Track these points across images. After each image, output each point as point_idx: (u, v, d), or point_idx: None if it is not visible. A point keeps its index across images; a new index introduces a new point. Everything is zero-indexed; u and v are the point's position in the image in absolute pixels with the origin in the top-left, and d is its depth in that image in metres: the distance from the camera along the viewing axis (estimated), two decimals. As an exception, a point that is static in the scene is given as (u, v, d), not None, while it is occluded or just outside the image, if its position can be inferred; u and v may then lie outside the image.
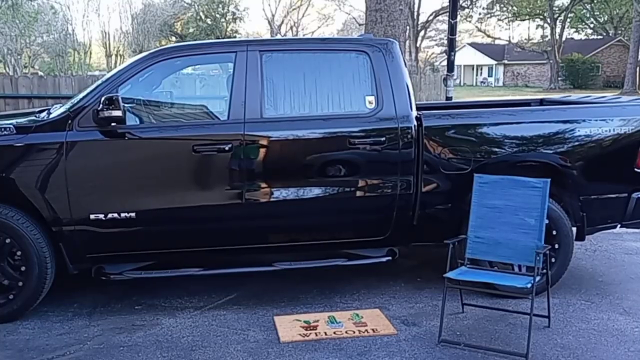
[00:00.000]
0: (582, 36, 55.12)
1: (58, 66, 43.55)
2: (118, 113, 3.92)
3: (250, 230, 4.33)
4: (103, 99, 3.96)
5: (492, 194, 4.08)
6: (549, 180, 3.97)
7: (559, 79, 45.76)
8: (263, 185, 4.28)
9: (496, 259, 4.05)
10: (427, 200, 4.48)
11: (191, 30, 49.52)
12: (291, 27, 54.04)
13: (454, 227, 4.48)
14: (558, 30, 46.86)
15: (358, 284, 4.82)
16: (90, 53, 49.43)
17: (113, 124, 4.04)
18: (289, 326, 4.03)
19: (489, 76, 56.96)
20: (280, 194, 4.30)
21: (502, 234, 4.00)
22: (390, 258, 4.50)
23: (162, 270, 4.29)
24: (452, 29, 8.29)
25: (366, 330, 3.96)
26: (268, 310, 4.35)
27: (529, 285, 3.56)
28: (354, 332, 3.93)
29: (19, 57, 38.89)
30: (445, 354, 3.63)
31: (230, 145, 4.16)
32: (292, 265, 4.37)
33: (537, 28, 52.55)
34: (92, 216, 4.12)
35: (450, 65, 8.30)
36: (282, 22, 54.11)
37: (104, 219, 4.13)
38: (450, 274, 3.76)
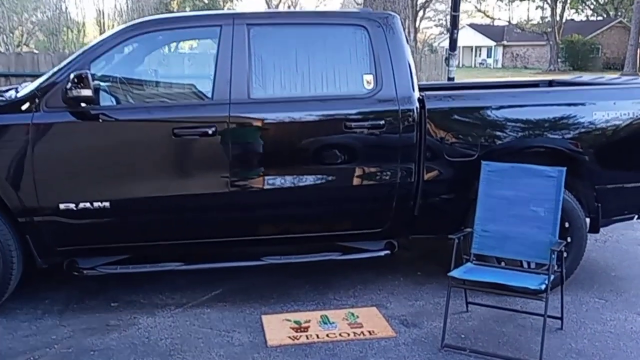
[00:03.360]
0: (582, 17, 54.50)
1: (52, 44, 42.82)
2: (87, 92, 3.53)
3: (236, 221, 3.97)
4: (71, 76, 3.56)
5: (501, 183, 3.72)
6: (564, 169, 3.61)
7: (559, 60, 45.22)
8: (250, 172, 3.91)
9: (505, 255, 3.71)
10: (429, 189, 4.12)
11: (187, 9, 48.69)
12: (289, 7, 53.23)
13: (459, 219, 4.13)
14: (558, 11, 46.20)
15: (354, 278, 4.48)
16: (85, 31, 48.66)
17: (83, 104, 3.65)
18: (277, 327, 3.69)
19: (487, 57, 56.36)
20: (269, 182, 3.93)
21: (512, 227, 3.64)
22: (388, 252, 4.14)
23: (140, 264, 3.93)
24: (455, 6, 7.88)
25: (362, 332, 3.61)
26: (256, 308, 4.00)
27: (542, 287, 3.21)
28: (349, 335, 3.58)
29: (11, 34, 38.15)
30: (449, 361, 3.30)
31: (214, 129, 3.78)
32: (281, 259, 4.01)
33: (536, 9, 52.09)
34: (61, 206, 3.74)
35: (453, 44, 7.90)
36: (280, 1, 53.29)
37: (75, 209, 3.76)
38: (454, 273, 3.41)
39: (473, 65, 54.65)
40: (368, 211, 4.14)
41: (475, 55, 56.98)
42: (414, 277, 4.54)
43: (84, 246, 3.93)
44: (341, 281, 4.43)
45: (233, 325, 3.75)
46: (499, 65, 54.35)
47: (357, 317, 3.83)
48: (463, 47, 53.45)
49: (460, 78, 9.95)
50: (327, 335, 3.57)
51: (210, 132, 3.77)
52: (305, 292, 4.26)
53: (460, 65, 50.79)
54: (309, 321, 3.76)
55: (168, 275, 4.36)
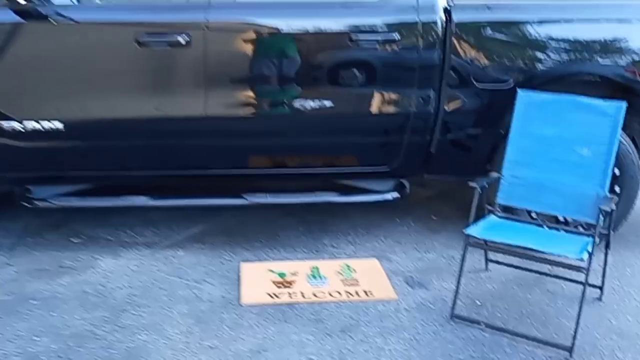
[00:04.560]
0: None
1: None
2: (24, -16, 2.81)
3: (214, 151, 3.31)
4: (7, -38, 2.84)
5: (540, 118, 2.97)
6: (624, 104, 2.84)
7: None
8: (231, 92, 3.21)
9: (538, 208, 3.01)
10: (451, 121, 3.39)
11: None
12: None
13: (484, 160, 3.43)
14: None
15: (356, 220, 3.84)
16: None
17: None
18: (257, 280, 3.10)
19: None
20: (253, 105, 3.24)
21: (550, 174, 2.92)
22: (397, 195, 3.46)
23: (101, 197, 3.33)
24: None
25: (356, 292, 3.00)
26: (237, 253, 3.40)
27: (585, 257, 2.52)
28: (340, 295, 2.97)
29: None
30: (458, 338, 2.67)
31: (187, 37, 3.05)
32: (267, 198, 3.37)
33: None
34: (5, 125, 3.12)
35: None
36: None
37: (22, 129, 3.13)
38: (472, 230, 2.74)
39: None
40: (375, 145, 3.44)
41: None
42: (427, 222, 3.89)
43: (38, 173, 3.33)
44: (341, 224, 3.80)
45: (206, 274, 3.17)
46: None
47: (354, 271, 3.22)
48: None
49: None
50: (315, 295, 2.97)
51: (182, 40, 3.05)
52: (297, 235, 3.65)
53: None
54: (295, 274, 3.16)
55: (143, 208, 3.77)
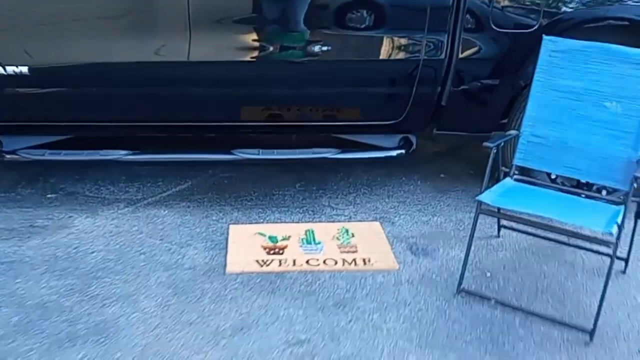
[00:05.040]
0: None
1: None
2: None
3: (200, 101, 2.98)
4: None
5: (567, 69, 2.60)
6: (665, 53, 2.46)
7: None
8: (219, 34, 2.86)
9: (560, 171, 2.67)
10: (465, 70, 3.03)
11: None
12: None
13: (500, 114, 3.08)
14: None
15: (358, 178, 3.54)
16: None
17: None
18: (245, 244, 2.82)
19: None
20: (242, 49, 2.89)
21: (575, 133, 2.58)
22: (402, 152, 3.14)
23: (76, 150, 3.02)
24: None
25: (354, 260, 2.72)
26: (226, 212, 3.12)
27: (614, 230, 2.20)
28: (336, 263, 2.69)
29: None
30: (465, 317, 2.39)
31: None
32: (260, 154, 3.05)
33: None
34: (-36, 68, 2.80)
35: None
36: None
37: (-15, 74, 2.81)
38: (485, 197, 2.42)
39: None
40: (380, 96, 3.11)
41: None
42: (435, 181, 3.57)
43: (7, 123, 3.02)
44: (341, 181, 3.49)
45: (190, 237, 2.89)
46: None
47: (352, 235, 2.92)
48: None
49: None
50: (308, 262, 2.69)
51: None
52: (293, 194, 3.35)
53: None
54: (288, 238, 2.88)
55: (129, 162, 3.47)
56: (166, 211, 3.12)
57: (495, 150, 2.48)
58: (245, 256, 2.71)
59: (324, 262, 2.69)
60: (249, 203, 3.24)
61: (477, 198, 2.41)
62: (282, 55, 2.92)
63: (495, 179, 2.64)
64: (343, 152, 3.07)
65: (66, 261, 2.66)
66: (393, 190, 3.45)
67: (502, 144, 2.57)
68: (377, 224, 3.06)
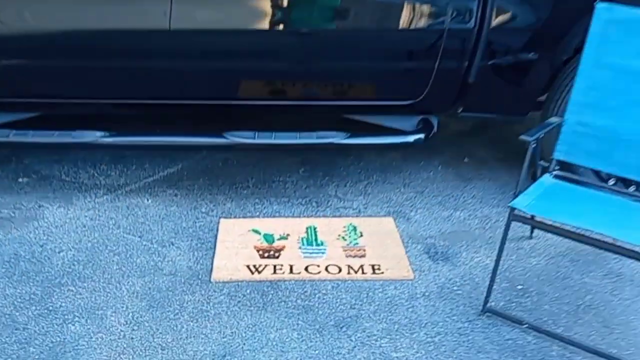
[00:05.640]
0: None
1: None
2: None
3: (190, 76, 2.56)
4: None
5: (626, 44, 2.13)
6: None
7: None
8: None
9: (611, 168, 2.23)
10: (497, 42, 2.58)
11: None
12: None
13: (538, 93, 2.63)
14: None
15: (371, 161, 3.13)
16: None
17: None
18: (236, 244, 2.44)
19: None
20: (233, 17, 2.45)
21: (631, 124, 2.12)
22: (421, 137, 2.70)
23: (44, 131, 2.63)
24: None
25: (361, 267, 2.32)
26: (217, 203, 2.74)
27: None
28: (340, 271, 2.30)
29: None
30: (491, 343, 2.00)
31: None
32: (256, 138, 2.64)
33: None
34: None
35: None
36: None
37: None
38: (519, 203, 1.99)
39: None
40: (396, 71, 2.67)
41: None
42: (458, 167, 3.15)
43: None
44: (351, 166, 3.09)
45: (174, 233, 2.52)
46: None
47: (361, 235, 2.53)
48: None
49: None
50: (307, 270, 2.30)
51: None
52: (295, 180, 2.95)
53: None
54: (286, 237, 2.49)
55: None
56: (150, 200, 2.75)
57: (534, 145, 2.04)
58: (235, 260, 2.33)
59: (326, 269, 2.30)
60: (245, 192, 2.85)
61: (510, 204, 1.98)
62: (288, 22, 2.48)
63: (531, 175, 2.21)
64: (352, 136, 2.65)
65: (29, 263, 2.30)
66: (410, 177, 3.04)
67: (541, 137, 2.12)
68: (389, 220, 2.66)
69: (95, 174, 2.94)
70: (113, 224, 2.57)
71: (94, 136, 2.60)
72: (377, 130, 2.72)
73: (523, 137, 2.02)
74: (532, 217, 2.03)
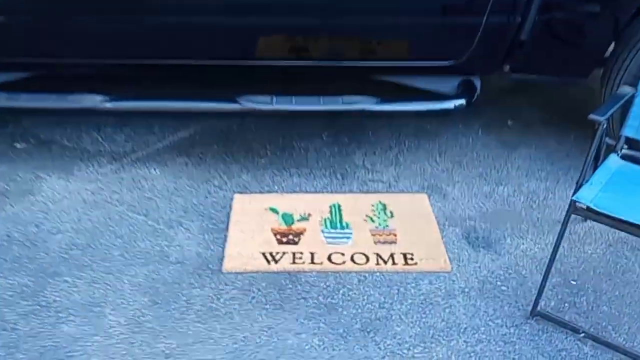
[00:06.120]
0: None
1: None
2: None
3: (193, 33, 2.24)
4: None
5: None
6: None
7: None
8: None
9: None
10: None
11: None
12: None
13: (601, 52, 2.26)
14: None
15: (403, 124, 2.83)
16: None
17: None
18: (251, 226, 2.18)
19: None
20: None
21: None
22: (462, 103, 2.37)
23: (38, 94, 2.36)
24: None
25: (392, 256, 2.05)
26: (231, 174, 2.47)
27: None
28: (367, 261, 2.03)
29: None
30: (541, 354, 1.73)
31: None
32: (273, 104, 2.32)
33: None
34: None
35: None
36: None
37: None
38: (584, 196, 1.67)
39: None
40: (436, 27, 2.30)
41: None
42: (501, 131, 2.82)
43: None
44: (381, 130, 2.78)
45: (184, 211, 2.26)
46: None
47: (391, 215, 2.25)
48: None
49: None
50: (330, 259, 2.03)
51: None
52: (318, 147, 2.66)
53: None
54: (307, 217, 2.22)
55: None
56: (158, 171, 2.49)
57: (605, 125, 1.70)
58: (250, 245, 2.08)
59: (352, 258, 2.04)
60: (262, 161, 2.57)
61: (573, 198, 1.66)
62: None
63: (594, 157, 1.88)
64: (383, 102, 2.31)
65: (23, 247, 2.07)
66: (446, 144, 2.72)
67: (611, 117, 1.78)
68: (424, 197, 2.36)
69: (100, 139, 2.68)
70: (117, 199, 2.32)
71: (94, 100, 2.31)
72: (410, 94, 2.39)
73: (592, 117, 1.68)
74: (597, 213, 1.71)
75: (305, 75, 2.40)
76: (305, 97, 2.32)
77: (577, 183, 1.71)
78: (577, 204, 1.67)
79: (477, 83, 2.42)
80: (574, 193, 1.68)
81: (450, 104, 2.34)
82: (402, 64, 2.35)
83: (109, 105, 2.30)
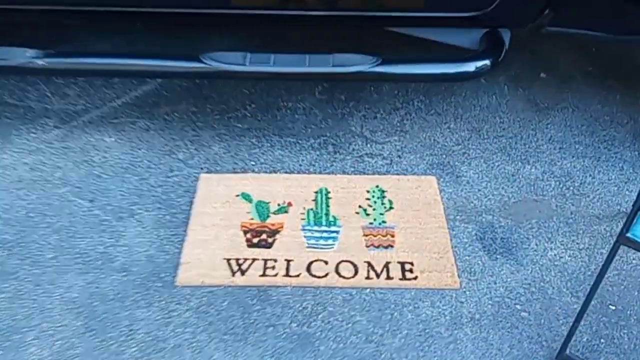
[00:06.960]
0: None
1: None
2: None
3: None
4: None
5: None
6: None
7: None
8: None
9: None
10: None
11: None
12: None
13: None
14: None
15: (410, 93, 2.33)
16: None
17: None
18: (217, 220, 1.78)
19: None
20: None
21: None
22: (487, 63, 1.87)
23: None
24: None
25: (386, 267, 1.65)
26: (200, 144, 2.05)
27: None
28: (355, 273, 1.64)
29: None
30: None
31: None
32: (248, 64, 1.84)
33: None
34: None
35: None
36: None
37: None
38: (638, 232, 1.24)
39: None
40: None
41: None
42: (531, 87, 2.36)
43: None
44: (385, 97, 2.31)
45: (137, 197, 1.87)
46: None
47: (390, 207, 1.83)
48: None
49: None
50: (309, 270, 1.64)
51: None
52: (309, 108, 2.21)
53: None
54: (285, 209, 1.81)
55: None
56: (113, 138, 2.07)
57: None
58: (212, 249, 1.69)
59: (337, 269, 1.65)
60: (239, 126, 2.13)
61: (626, 235, 1.23)
62: None
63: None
64: (384, 63, 1.82)
65: (-64, 244, 1.70)
66: (463, 105, 2.26)
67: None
68: (431, 180, 1.94)
69: (48, 94, 2.25)
70: (60, 177, 1.92)
71: (24, 56, 1.85)
72: (420, 50, 1.90)
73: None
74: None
75: (290, 27, 1.90)
76: (288, 54, 1.84)
77: (628, 219, 1.27)
78: (626, 240, 1.24)
79: (506, 37, 1.92)
80: (626, 224, 1.24)
81: (470, 66, 1.86)
82: (419, 15, 1.84)
83: (41, 62, 1.84)
